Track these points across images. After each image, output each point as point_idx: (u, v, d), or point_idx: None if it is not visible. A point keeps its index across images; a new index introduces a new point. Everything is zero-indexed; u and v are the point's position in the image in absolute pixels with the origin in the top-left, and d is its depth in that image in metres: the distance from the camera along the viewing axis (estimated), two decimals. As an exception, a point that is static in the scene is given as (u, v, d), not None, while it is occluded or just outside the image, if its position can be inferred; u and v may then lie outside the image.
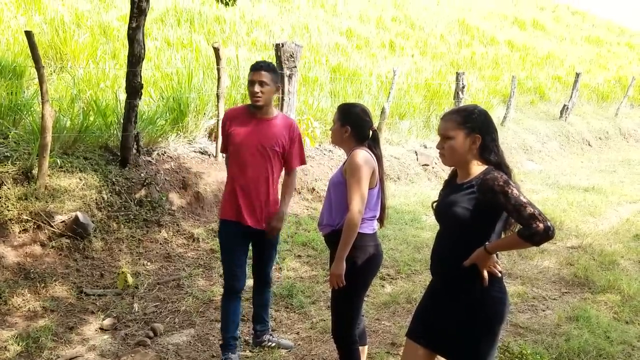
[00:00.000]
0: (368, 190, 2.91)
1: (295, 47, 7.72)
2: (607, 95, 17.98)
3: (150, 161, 6.20)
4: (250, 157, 3.42)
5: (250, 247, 3.69)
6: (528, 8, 27.55)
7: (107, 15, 10.81)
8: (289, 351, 3.85)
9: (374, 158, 3.01)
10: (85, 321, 4.12)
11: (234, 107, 3.67)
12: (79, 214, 5.03)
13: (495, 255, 2.39)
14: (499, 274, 2.39)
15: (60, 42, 8.31)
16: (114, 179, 5.64)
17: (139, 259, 5.19)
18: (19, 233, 4.78)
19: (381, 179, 3.07)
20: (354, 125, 3.01)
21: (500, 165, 2.39)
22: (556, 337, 4.08)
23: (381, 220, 3.17)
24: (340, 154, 8.46)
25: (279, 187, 3.69)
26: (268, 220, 3.54)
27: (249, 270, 3.74)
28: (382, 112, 9.60)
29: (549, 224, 2.20)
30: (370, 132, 3.07)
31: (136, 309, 4.34)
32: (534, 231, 2.19)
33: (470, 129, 2.39)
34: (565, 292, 5.03)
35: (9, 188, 4.94)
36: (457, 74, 11.42)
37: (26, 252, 4.72)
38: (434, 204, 2.59)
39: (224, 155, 3.70)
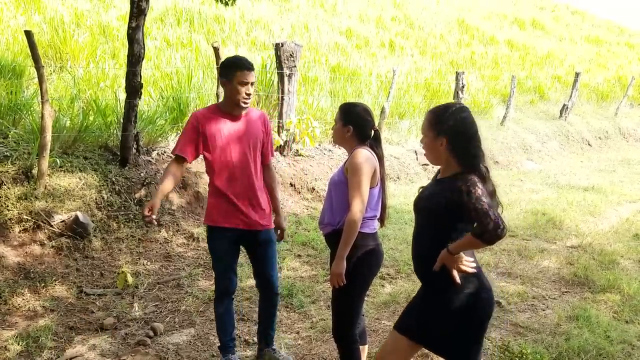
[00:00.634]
0: (369, 190, 2.91)
1: (295, 47, 7.72)
2: (606, 94, 17.99)
3: (150, 161, 6.20)
4: (236, 158, 3.28)
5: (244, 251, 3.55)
6: (528, 8, 27.55)
7: (107, 14, 10.80)
8: (290, 351, 3.85)
9: (375, 157, 3.01)
10: (85, 321, 4.12)
11: (202, 109, 3.39)
12: (79, 214, 5.03)
13: (472, 252, 2.49)
14: (472, 271, 2.44)
15: (60, 42, 8.31)
16: (113, 179, 5.64)
17: (139, 258, 5.19)
18: (19, 233, 4.79)
19: (382, 178, 3.07)
20: (356, 125, 3.01)
21: (475, 166, 2.43)
22: (556, 337, 4.08)
23: (382, 219, 3.17)
24: (340, 154, 8.46)
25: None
26: (276, 225, 3.48)
27: (244, 272, 3.71)
28: (382, 111, 9.60)
29: (499, 222, 2.27)
30: (372, 132, 3.07)
31: (136, 309, 4.33)
32: (485, 229, 2.27)
33: (440, 130, 2.45)
34: (565, 292, 5.03)
35: (8, 188, 4.94)
36: (457, 73, 11.42)
37: (26, 252, 4.72)
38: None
39: (190, 160, 3.32)
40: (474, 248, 2.45)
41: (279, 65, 7.69)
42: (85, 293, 4.51)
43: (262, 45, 11.83)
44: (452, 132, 2.43)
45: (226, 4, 6.26)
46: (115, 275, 4.79)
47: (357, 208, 2.83)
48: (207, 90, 7.80)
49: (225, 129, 3.27)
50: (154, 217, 3.07)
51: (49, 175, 5.20)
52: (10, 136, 5.49)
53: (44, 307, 4.22)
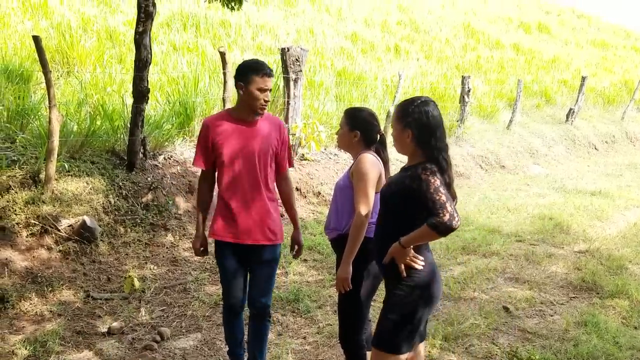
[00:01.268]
0: (374, 195, 2.91)
1: (301, 51, 7.73)
2: (613, 98, 17.92)
3: (156, 165, 6.21)
4: (244, 167, 3.09)
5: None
6: (533, 12, 27.51)
7: (114, 20, 10.85)
8: (297, 357, 3.84)
9: (381, 162, 3.01)
10: (92, 325, 4.12)
11: (213, 115, 3.26)
12: (86, 218, 5.05)
13: (427, 249, 2.61)
14: (418, 267, 2.54)
15: (67, 47, 8.35)
16: (120, 183, 5.65)
17: (146, 263, 5.20)
18: (26, 237, 4.80)
19: (388, 183, 3.07)
20: (363, 130, 3.01)
21: (437, 159, 2.49)
22: (564, 343, 4.05)
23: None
24: (345, 158, 8.45)
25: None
26: (293, 239, 3.34)
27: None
28: (388, 115, 9.59)
29: (455, 214, 2.35)
30: (378, 136, 3.07)
31: (143, 313, 4.34)
32: (439, 220, 2.34)
33: (405, 124, 2.55)
34: (573, 297, 5.00)
35: (16, 192, 4.96)
36: (463, 77, 11.41)
37: (33, 256, 4.73)
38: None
39: (204, 168, 3.23)
40: (427, 240, 2.52)
41: (285, 70, 7.71)
42: (92, 297, 4.51)
43: (267, 49, 11.85)
44: (416, 124, 2.52)
45: (232, 8, 6.28)
46: (122, 280, 4.80)
47: (363, 212, 2.83)
48: (213, 95, 7.82)
49: (235, 136, 3.10)
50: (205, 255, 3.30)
51: (56, 179, 5.22)
52: (18, 141, 5.52)
53: (51, 311, 4.22)
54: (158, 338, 3.96)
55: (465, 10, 23.13)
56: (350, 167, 3.03)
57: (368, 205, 2.85)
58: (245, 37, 12.37)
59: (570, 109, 14.97)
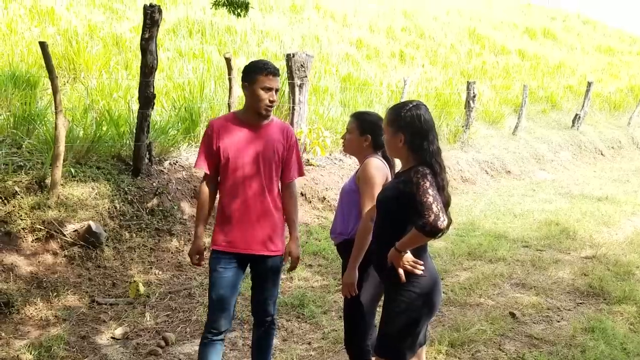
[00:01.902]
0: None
1: (306, 57, 7.75)
2: (619, 104, 17.86)
3: (162, 170, 6.22)
4: (247, 173, 2.96)
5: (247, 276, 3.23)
6: (539, 17, 27.50)
7: (120, 26, 10.92)
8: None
9: (387, 166, 3.00)
10: (97, 330, 4.12)
11: (219, 117, 3.14)
12: (92, 223, 5.05)
13: (426, 254, 2.58)
14: (418, 272, 2.51)
15: (74, 53, 8.40)
16: (126, 188, 5.66)
17: (151, 268, 5.20)
18: (31, 242, 4.81)
19: (394, 187, 3.05)
20: (373, 134, 2.99)
21: (431, 162, 2.48)
22: (572, 349, 4.02)
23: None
24: (350, 163, 8.45)
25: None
26: (288, 250, 3.08)
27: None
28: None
29: (440, 215, 2.34)
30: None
31: (148, 318, 4.33)
32: (425, 221, 2.34)
33: (397, 128, 2.54)
34: (580, 303, 4.97)
35: (22, 197, 4.98)
36: (468, 83, 11.40)
37: (39, 261, 4.74)
38: None
39: (208, 172, 3.05)
40: (419, 242, 2.50)
41: (290, 76, 7.72)
42: (97, 302, 4.51)
43: (273, 55, 11.88)
44: (409, 128, 2.51)
45: (238, 15, 6.31)
46: (127, 285, 4.80)
47: (369, 218, 2.81)
48: (219, 101, 7.84)
49: (240, 139, 2.96)
50: (203, 263, 3.08)
51: (62, 185, 5.23)
52: (24, 146, 5.54)
53: (56, 316, 4.22)
54: (163, 343, 3.95)
55: (470, 16, 23.14)
56: (357, 171, 3.02)
57: (374, 209, 2.84)
58: (250, 44, 12.42)
59: (576, 115, 14.93)
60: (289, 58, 7.70)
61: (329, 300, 4.79)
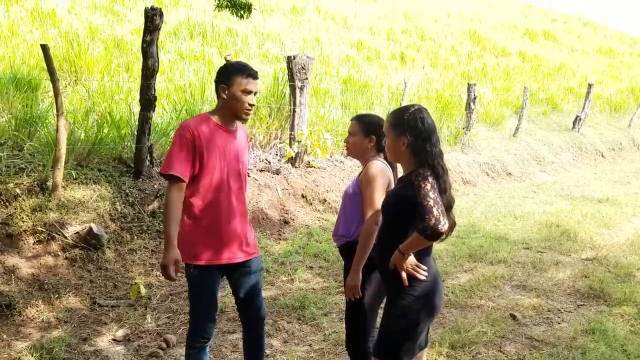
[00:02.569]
0: (383, 201, 2.90)
1: (307, 59, 7.76)
2: (620, 106, 17.87)
3: (163, 173, 6.23)
4: (230, 179, 2.85)
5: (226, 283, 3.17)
6: (539, 19, 27.53)
7: (121, 29, 10.95)
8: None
9: (390, 168, 3.00)
10: (98, 332, 4.13)
11: (193, 118, 2.88)
12: (93, 225, 5.06)
13: (429, 258, 2.57)
14: (421, 277, 2.51)
15: (75, 56, 8.42)
16: (127, 191, 5.68)
17: (152, 269, 5.21)
18: (33, 244, 4.82)
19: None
20: (378, 135, 2.99)
21: (433, 165, 2.49)
22: (572, 351, 4.02)
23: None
24: (351, 165, 8.46)
25: None
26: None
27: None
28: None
29: (441, 218, 2.33)
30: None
31: (149, 320, 4.34)
32: (426, 224, 2.34)
33: (400, 132, 2.54)
34: (581, 305, 4.97)
35: (23, 199, 4.99)
36: (469, 85, 11.41)
37: (40, 263, 4.75)
38: None
39: (185, 180, 2.75)
40: (420, 246, 2.49)
41: (291, 78, 7.73)
42: (99, 304, 4.52)
43: (274, 57, 11.91)
44: (412, 131, 2.52)
45: (241, 16, 6.33)
46: (128, 287, 4.81)
47: (372, 220, 2.82)
48: (219, 103, 7.84)
49: (222, 144, 2.82)
50: (179, 274, 2.76)
51: (63, 187, 5.24)
52: (25, 148, 5.56)
53: (57, 318, 4.23)
54: (164, 345, 3.96)
55: (471, 18, 23.18)
56: (360, 174, 3.02)
57: (377, 211, 2.84)
58: (251, 46, 12.45)
59: (577, 117, 14.94)
60: (289, 60, 7.71)
61: (330, 302, 4.80)
